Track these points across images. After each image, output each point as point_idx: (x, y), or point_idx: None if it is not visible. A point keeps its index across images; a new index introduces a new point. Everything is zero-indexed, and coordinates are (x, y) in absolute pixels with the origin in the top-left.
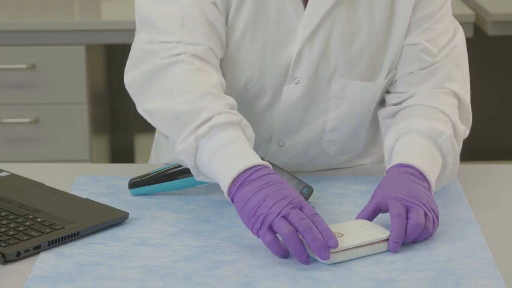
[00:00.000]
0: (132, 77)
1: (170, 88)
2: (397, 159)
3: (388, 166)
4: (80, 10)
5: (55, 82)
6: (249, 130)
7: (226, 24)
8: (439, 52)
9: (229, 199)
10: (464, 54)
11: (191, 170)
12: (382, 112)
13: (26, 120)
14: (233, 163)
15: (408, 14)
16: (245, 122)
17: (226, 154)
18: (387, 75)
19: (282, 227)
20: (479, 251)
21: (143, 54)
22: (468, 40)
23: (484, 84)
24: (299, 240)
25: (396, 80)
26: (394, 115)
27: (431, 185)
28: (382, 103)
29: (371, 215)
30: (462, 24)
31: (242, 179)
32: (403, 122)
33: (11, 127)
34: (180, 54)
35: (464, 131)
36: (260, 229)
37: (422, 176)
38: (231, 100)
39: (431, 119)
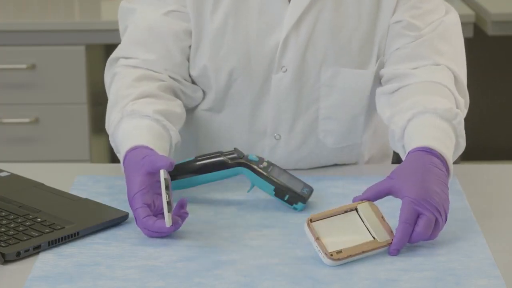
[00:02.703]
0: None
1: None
2: (419, 141)
3: (397, 145)
4: (80, 10)
5: (55, 82)
6: (142, 112)
7: (205, 17)
8: (425, 27)
9: None
10: (455, 31)
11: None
12: (378, 90)
13: (26, 120)
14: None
15: None
16: (130, 107)
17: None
18: (377, 60)
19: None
20: (479, 251)
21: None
22: (468, 40)
23: (484, 84)
24: (154, 234)
25: (386, 61)
26: (391, 92)
27: (450, 173)
28: (379, 84)
29: (380, 195)
30: (462, 24)
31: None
32: (409, 100)
33: (11, 127)
34: (117, 67)
35: (463, 109)
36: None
37: (444, 166)
38: (127, 97)
39: (441, 96)
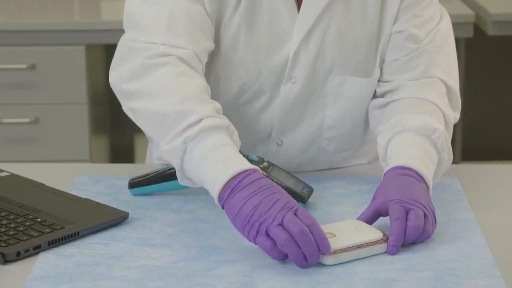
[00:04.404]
0: (116, 75)
1: (156, 89)
2: (394, 161)
3: (383, 165)
4: (80, 10)
5: (55, 82)
6: (236, 136)
7: (220, 29)
8: (424, 37)
9: (219, 206)
10: (449, 39)
11: (177, 173)
12: (371, 103)
13: (26, 120)
14: (222, 169)
15: (397, 3)
16: (232, 128)
17: (215, 158)
18: (380, 66)
19: (278, 234)
20: (479, 251)
21: (128, 53)
22: (468, 40)
23: (484, 83)
24: (296, 247)
25: (382, 68)
26: (383, 106)
27: (429, 186)
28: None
29: (370, 218)
30: (462, 24)
31: (233, 186)
32: (394, 118)
33: (11, 127)
34: (166, 56)
35: (454, 117)
36: (256, 236)
37: (420, 178)
38: (217, 104)
39: (423, 113)
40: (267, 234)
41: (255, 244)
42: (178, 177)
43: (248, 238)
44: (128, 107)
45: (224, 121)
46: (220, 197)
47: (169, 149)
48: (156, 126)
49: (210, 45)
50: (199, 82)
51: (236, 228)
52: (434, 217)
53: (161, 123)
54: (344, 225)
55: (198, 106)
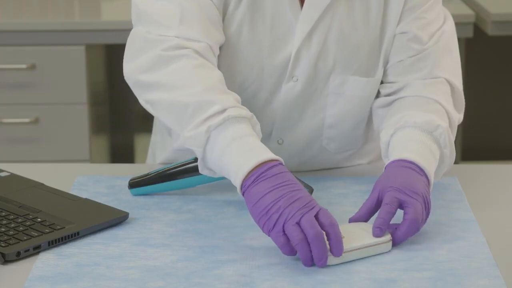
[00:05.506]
0: (131, 66)
1: (175, 81)
2: (395, 154)
3: (385, 161)
4: (80, 10)
5: (55, 82)
6: (258, 128)
7: (224, 22)
8: (429, 39)
9: (240, 193)
10: (453, 40)
11: (198, 162)
12: (375, 102)
13: (26, 120)
14: (248, 157)
15: (400, 5)
16: (255, 119)
17: (239, 147)
18: (383, 67)
19: (294, 233)
20: (479, 251)
21: (143, 44)
22: (468, 40)
23: (484, 83)
24: (308, 248)
25: (386, 69)
26: (387, 105)
27: (429, 179)
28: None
29: (374, 207)
30: (462, 24)
31: (257, 175)
32: (398, 115)
33: (11, 127)
34: (182, 48)
35: (459, 118)
36: (272, 230)
37: (421, 171)
38: (237, 95)
39: (427, 111)
40: (283, 230)
41: (268, 236)
42: (198, 166)
43: (263, 229)
44: (145, 99)
45: (247, 112)
46: (242, 185)
47: (191, 136)
48: (177, 117)
49: (221, 38)
50: (217, 74)
51: (253, 217)
52: (429, 208)
53: (182, 114)
54: (352, 227)
55: (219, 96)
